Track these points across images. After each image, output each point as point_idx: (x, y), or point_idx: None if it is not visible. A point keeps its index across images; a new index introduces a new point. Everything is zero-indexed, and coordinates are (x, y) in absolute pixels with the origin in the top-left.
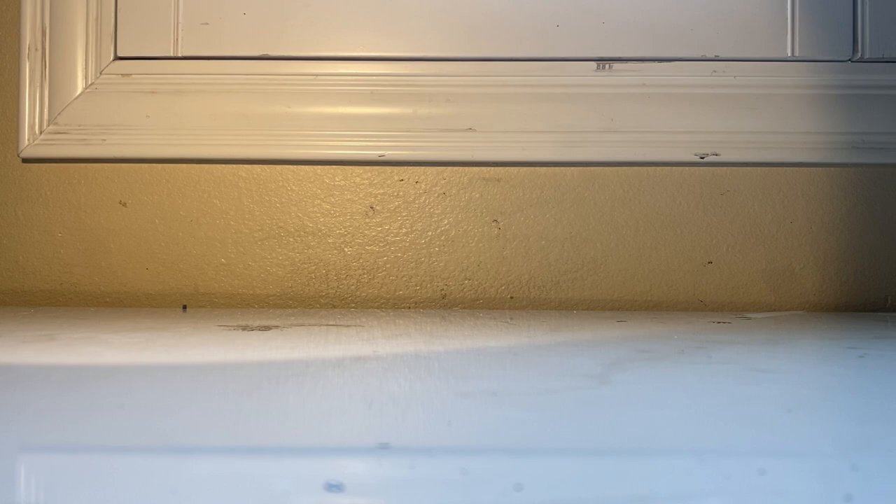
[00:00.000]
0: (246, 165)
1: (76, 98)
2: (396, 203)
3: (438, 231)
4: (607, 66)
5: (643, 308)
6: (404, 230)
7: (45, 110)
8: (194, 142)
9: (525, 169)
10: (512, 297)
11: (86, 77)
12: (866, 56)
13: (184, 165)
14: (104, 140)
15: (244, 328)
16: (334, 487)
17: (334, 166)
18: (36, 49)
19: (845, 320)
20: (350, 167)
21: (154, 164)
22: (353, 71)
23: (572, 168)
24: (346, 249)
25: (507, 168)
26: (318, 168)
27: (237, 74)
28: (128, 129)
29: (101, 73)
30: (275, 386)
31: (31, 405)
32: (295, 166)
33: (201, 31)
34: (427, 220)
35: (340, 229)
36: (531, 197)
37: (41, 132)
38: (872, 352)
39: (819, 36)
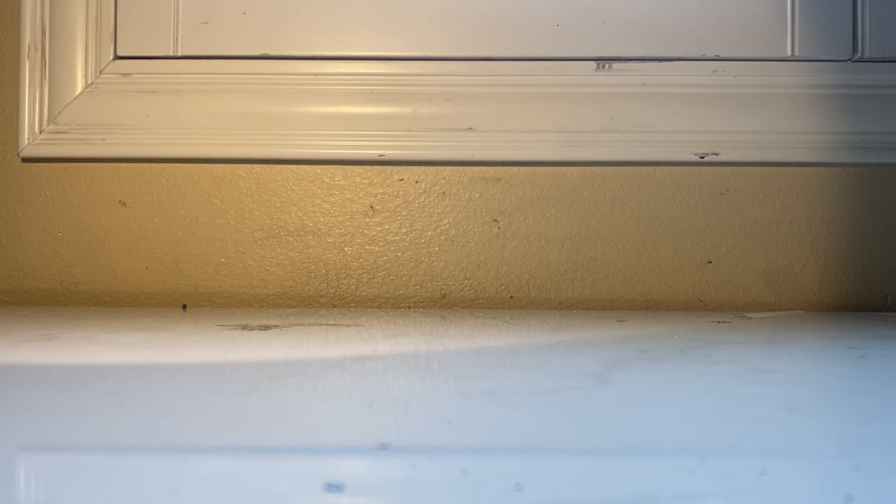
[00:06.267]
0: (246, 165)
1: (76, 97)
2: (396, 203)
3: (438, 231)
4: (607, 65)
5: (643, 308)
6: (404, 230)
7: (45, 110)
8: (194, 141)
9: (525, 168)
10: (512, 297)
11: (85, 76)
12: (866, 56)
13: (184, 165)
14: (104, 140)
15: (244, 328)
16: (334, 487)
17: (334, 166)
18: (36, 48)
19: (845, 320)
20: (350, 167)
21: (154, 164)
22: (353, 70)
23: (572, 168)
24: (345, 249)
25: (506, 168)
26: (318, 168)
27: (237, 74)
28: (128, 129)
29: (100, 73)
30: (274, 386)
31: (31, 405)
32: (295, 166)
33: (201, 30)
34: (427, 219)
35: (340, 229)
36: (531, 196)
37: (41, 132)
38: (873, 352)
39: (819, 36)
